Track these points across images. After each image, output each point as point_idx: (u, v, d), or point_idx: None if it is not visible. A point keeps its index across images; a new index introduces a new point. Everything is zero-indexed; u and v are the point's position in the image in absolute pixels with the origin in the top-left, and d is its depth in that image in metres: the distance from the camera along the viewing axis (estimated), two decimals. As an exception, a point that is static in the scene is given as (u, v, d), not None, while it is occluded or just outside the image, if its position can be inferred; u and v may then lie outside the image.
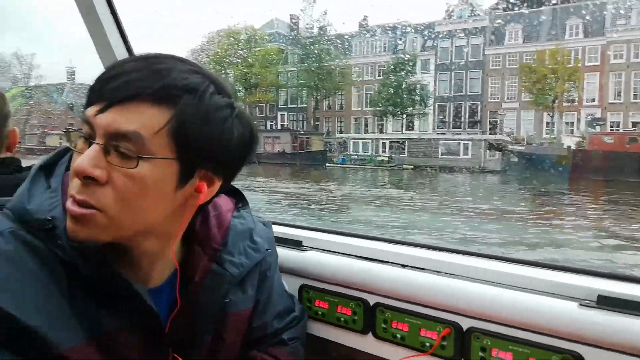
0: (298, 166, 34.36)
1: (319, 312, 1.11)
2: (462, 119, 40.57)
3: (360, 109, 42.87)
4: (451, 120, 40.98)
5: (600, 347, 0.80)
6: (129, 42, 1.42)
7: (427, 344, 0.96)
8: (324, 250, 1.17)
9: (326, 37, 42.18)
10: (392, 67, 39.67)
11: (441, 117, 41.29)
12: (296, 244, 1.18)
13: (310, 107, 43.82)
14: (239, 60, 41.17)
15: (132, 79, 0.64)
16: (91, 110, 0.64)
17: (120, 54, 1.41)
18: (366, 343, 1.05)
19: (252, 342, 0.91)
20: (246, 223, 0.89)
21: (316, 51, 40.92)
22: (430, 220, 12.67)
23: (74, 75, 47.10)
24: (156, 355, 0.74)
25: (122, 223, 0.65)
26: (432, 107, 41.03)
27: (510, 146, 31.75)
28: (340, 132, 42.08)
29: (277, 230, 1.16)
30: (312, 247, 1.18)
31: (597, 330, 0.80)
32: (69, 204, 0.64)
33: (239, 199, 0.92)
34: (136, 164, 0.62)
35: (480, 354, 0.90)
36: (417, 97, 39.84)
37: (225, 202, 0.87)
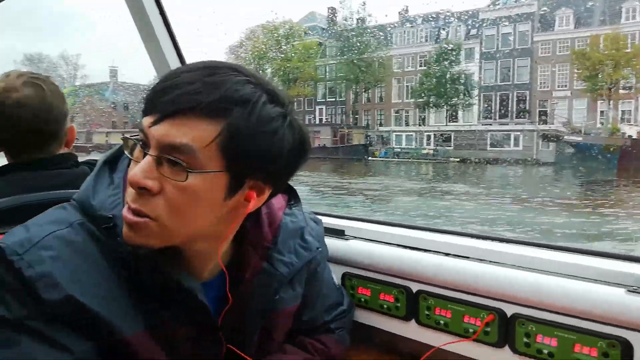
0: (339, 160, 34.19)
1: (362, 299, 1.15)
2: (509, 109, 39.21)
3: (401, 101, 42.21)
4: (497, 110, 39.71)
5: None
6: (178, 43, 1.50)
7: (471, 330, 0.99)
8: (366, 239, 1.21)
9: (366, 29, 41.77)
10: (435, 56, 38.81)
11: (486, 107, 40.08)
12: (339, 233, 1.23)
13: (349, 100, 43.65)
14: (278, 55, 41.52)
15: (185, 92, 0.65)
16: (146, 121, 0.67)
17: (170, 56, 1.49)
18: (409, 329, 1.08)
19: (301, 332, 0.96)
20: (297, 221, 0.90)
21: (357, 43, 40.62)
22: (523, 217, 12.13)
23: (116, 74, 49.23)
24: (210, 348, 0.79)
25: (173, 231, 0.68)
26: (476, 98, 39.88)
27: (566, 137, 30.36)
28: (380, 125, 41.62)
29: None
30: (355, 237, 1.22)
31: None
32: (125, 211, 0.68)
33: (291, 196, 0.92)
34: (186, 177, 0.65)
35: (525, 339, 0.92)
36: (461, 87, 38.82)
37: (277, 200, 0.87)
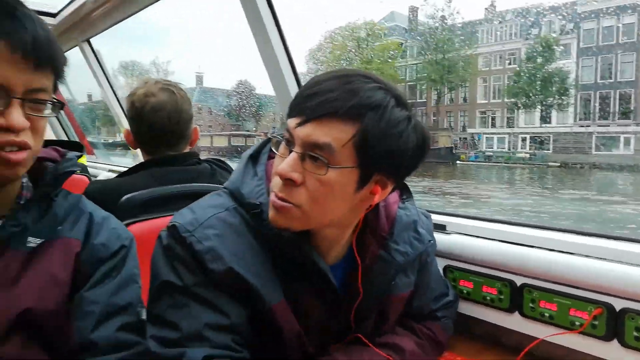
0: (424, 164, 34.07)
1: (464, 291, 1.23)
2: (611, 109, 36.11)
3: (487, 101, 40.52)
4: (597, 111, 36.74)
5: None
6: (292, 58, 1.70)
7: (577, 323, 1.03)
8: (467, 234, 1.28)
9: (452, 26, 40.64)
10: (528, 54, 36.77)
11: (584, 107, 37.21)
12: (441, 228, 1.31)
13: (429, 101, 42.72)
14: (359, 57, 41.71)
15: (327, 99, 0.76)
16: (292, 123, 0.79)
17: (285, 67, 1.67)
18: (513, 321, 1.14)
19: (410, 317, 1.06)
20: (411, 215, 0.99)
21: (441, 42, 39.66)
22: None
23: (202, 80, 52.24)
24: (336, 323, 0.93)
25: (311, 217, 0.80)
26: (573, 97, 37.18)
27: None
28: (463, 127, 40.24)
29: None
30: (456, 232, 1.30)
31: None
32: (272, 197, 0.80)
33: (404, 191, 1.02)
34: (326, 172, 0.76)
35: (635, 333, 0.95)
36: (557, 86, 36.36)
37: (392, 195, 0.97)
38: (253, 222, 0.85)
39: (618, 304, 0.98)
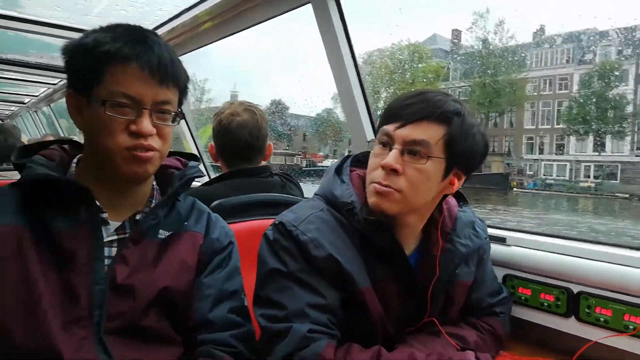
0: (474, 190, 32.52)
1: (522, 298, 1.38)
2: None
3: (534, 127, 39.78)
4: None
5: None
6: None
7: (631, 327, 1.17)
8: (525, 247, 1.43)
9: (502, 49, 40.32)
10: (586, 78, 35.87)
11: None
12: (501, 240, 1.48)
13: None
14: (403, 78, 41.86)
15: (423, 107, 1.02)
16: (391, 127, 1.03)
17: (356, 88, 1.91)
18: (568, 325, 1.29)
19: (470, 312, 1.25)
20: (469, 216, 1.23)
21: (490, 65, 39.35)
22: None
23: (236, 98, 53.73)
24: (412, 306, 1.12)
25: (409, 200, 1.03)
26: (631, 124, 35.86)
27: None
28: (508, 152, 39.40)
29: None
30: (515, 245, 1.45)
31: None
32: (377, 186, 1.02)
33: (460, 198, 1.26)
34: (426, 161, 1.01)
35: None
36: (618, 113, 35.16)
37: (451, 199, 1.20)
38: (346, 217, 1.07)
39: None
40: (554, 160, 36.13)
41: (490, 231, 1.50)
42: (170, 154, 1.09)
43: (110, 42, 0.89)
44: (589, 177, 33.32)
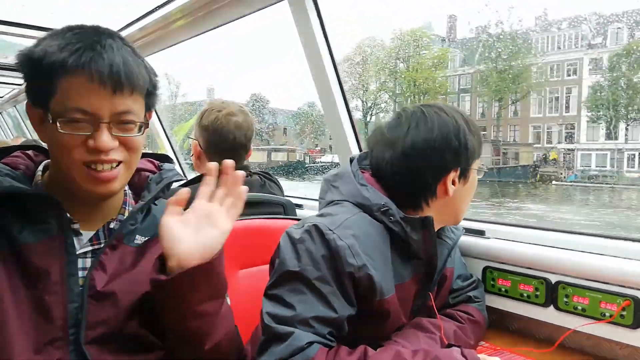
0: (500, 184, 30.79)
1: (502, 289, 1.46)
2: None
3: (541, 115, 39.90)
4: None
5: None
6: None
7: (607, 314, 1.25)
8: (504, 239, 1.52)
9: (510, 34, 40.38)
10: (611, 63, 35.73)
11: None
12: (480, 233, 1.56)
13: (474, 114, 42.24)
14: (406, 66, 41.84)
15: None
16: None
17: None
18: (547, 314, 1.37)
19: (449, 306, 1.36)
20: None
21: (501, 50, 39.37)
22: None
23: (212, 93, 53.30)
24: (422, 297, 1.24)
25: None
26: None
27: None
28: (514, 141, 39.36)
29: (463, 223, 1.55)
30: (494, 237, 1.54)
31: None
32: None
33: None
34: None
35: None
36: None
37: None
38: (380, 219, 1.14)
39: None
40: (592, 150, 35.05)
41: (470, 224, 1.59)
42: (142, 155, 1.09)
43: (57, 51, 0.86)
44: (633, 167, 32.11)
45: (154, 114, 1.07)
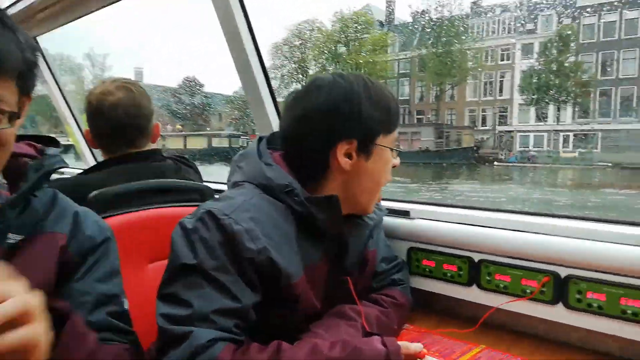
0: (447, 166, 32.16)
1: (426, 270, 1.44)
2: (612, 106, 37.35)
3: (477, 99, 41.34)
4: (597, 107, 37.90)
5: None
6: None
7: (528, 291, 1.25)
8: (429, 219, 1.49)
9: (449, 19, 41.28)
10: (543, 47, 37.37)
11: (581, 104, 38.27)
12: (405, 214, 1.52)
13: (413, 98, 43.21)
14: (348, 50, 41.86)
15: None
16: (396, 133, 1.13)
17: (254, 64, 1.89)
18: (470, 293, 1.36)
19: (373, 290, 1.31)
20: None
21: (443, 35, 40.17)
22: None
23: (142, 75, 50.70)
24: (334, 279, 1.16)
25: None
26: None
27: None
28: (451, 124, 40.66)
29: (388, 204, 1.53)
30: (419, 217, 1.51)
31: None
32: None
33: None
34: None
35: (577, 296, 1.18)
36: (576, 81, 36.96)
37: None
38: (284, 200, 1.06)
39: (563, 272, 1.20)
40: (530, 131, 36.82)
41: (394, 205, 1.55)
42: (21, 137, 0.95)
43: None
44: (567, 147, 34.41)
45: (59, 95, 0.92)
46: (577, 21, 38.61)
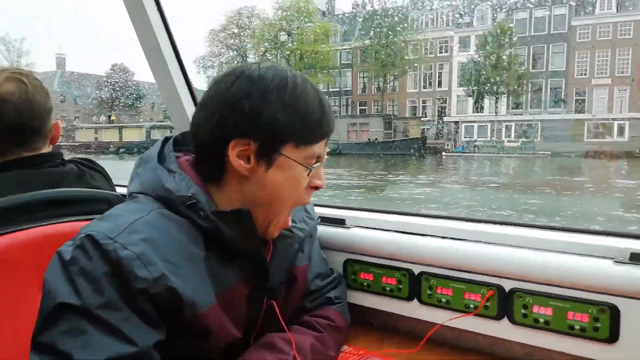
0: (398, 157, 32.29)
1: (364, 284, 1.32)
2: (543, 98, 39.32)
3: (417, 90, 42.19)
4: (529, 99, 39.79)
5: (635, 298, 0.97)
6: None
7: (472, 306, 1.16)
8: (366, 227, 1.38)
9: (388, 10, 41.67)
10: (484, 41, 38.54)
11: (516, 96, 40.06)
12: (340, 223, 1.40)
13: (355, 90, 43.57)
14: (290, 39, 41.41)
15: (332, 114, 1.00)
16: (322, 144, 0.98)
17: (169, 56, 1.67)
18: (411, 308, 1.26)
19: (306, 310, 1.17)
20: None
21: (384, 27, 40.50)
22: None
23: (64, 63, 48.11)
24: (256, 302, 1.02)
25: None
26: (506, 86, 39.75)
27: None
28: (394, 115, 41.39)
29: (322, 211, 1.40)
30: (355, 225, 1.39)
31: (631, 284, 0.98)
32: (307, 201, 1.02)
33: None
34: None
35: (523, 311, 1.10)
36: (512, 74, 38.46)
37: None
38: (187, 215, 0.90)
39: (507, 285, 1.12)
40: (475, 122, 38.27)
41: (329, 212, 1.43)
42: None
43: None
44: (510, 136, 36.10)
45: None
46: (511, 15, 40.22)
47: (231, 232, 0.92)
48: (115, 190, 1.47)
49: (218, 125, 0.92)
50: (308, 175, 0.97)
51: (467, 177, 25.35)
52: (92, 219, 1.21)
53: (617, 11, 37.43)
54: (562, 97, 38.76)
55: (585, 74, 38.30)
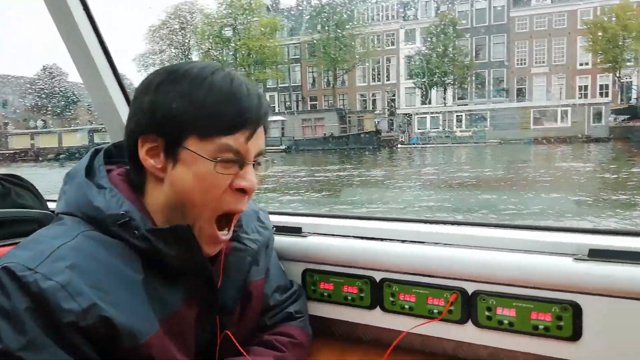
0: (355, 151, 32.21)
1: (325, 294, 1.27)
2: (486, 88, 40.61)
3: (366, 84, 42.55)
4: (473, 89, 40.99)
5: (595, 294, 0.97)
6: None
7: (435, 311, 1.13)
8: (324, 234, 1.33)
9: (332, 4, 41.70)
10: (431, 33, 39.21)
11: (460, 86, 41.20)
12: (296, 231, 1.34)
13: (305, 85, 43.52)
14: (237, 34, 40.73)
15: (266, 104, 0.89)
16: (241, 137, 0.86)
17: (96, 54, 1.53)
18: (374, 317, 1.21)
19: (266, 327, 1.10)
20: (252, 207, 1.09)
21: (332, 20, 40.47)
22: None
23: None
24: (206, 325, 0.95)
25: None
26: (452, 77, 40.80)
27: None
28: (348, 109, 41.65)
29: (276, 219, 1.34)
30: (312, 233, 1.34)
31: (591, 280, 0.97)
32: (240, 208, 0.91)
33: None
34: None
35: (487, 313, 1.08)
36: (459, 65, 39.34)
37: None
38: (120, 235, 0.82)
39: (470, 288, 1.10)
40: (426, 113, 38.88)
41: (284, 220, 1.38)
42: None
43: None
44: (461, 126, 37.04)
45: None
46: (453, 7, 41.22)
47: (170, 251, 0.85)
48: (47, 208, 1.34)
49: (129, 124, 0.87)
50: (218, 171, 0.85)
51: (436, 164, 26.04)
52: (18, 243, 1.11)
53: (552, 2, 39.09)
54: (505, 86, 40.16)
55: (525, 63, 39.84)
